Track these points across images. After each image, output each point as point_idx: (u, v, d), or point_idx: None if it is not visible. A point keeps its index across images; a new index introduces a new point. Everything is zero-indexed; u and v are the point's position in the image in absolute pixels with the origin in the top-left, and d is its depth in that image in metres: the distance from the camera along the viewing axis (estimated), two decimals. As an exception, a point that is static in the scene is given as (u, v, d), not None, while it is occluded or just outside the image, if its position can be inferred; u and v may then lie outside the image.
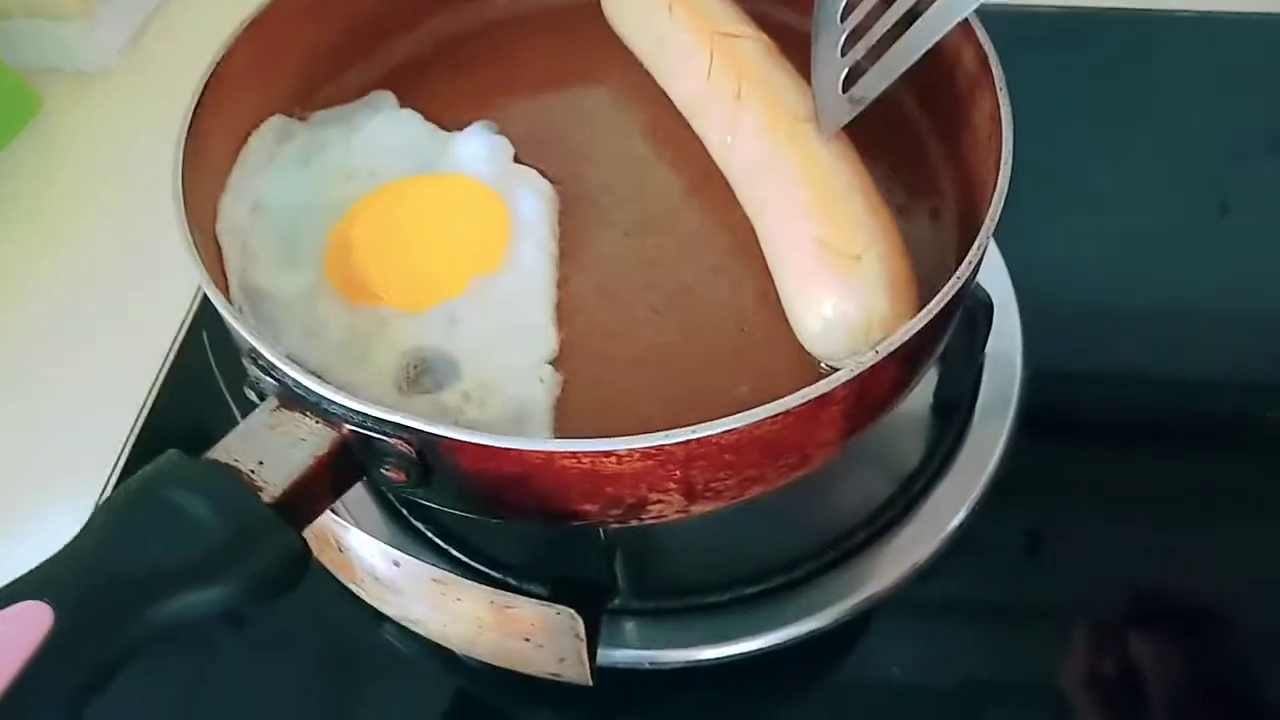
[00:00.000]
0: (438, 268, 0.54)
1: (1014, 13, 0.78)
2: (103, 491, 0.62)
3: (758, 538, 0.57)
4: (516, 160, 0.59)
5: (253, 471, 0.40)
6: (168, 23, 0.89)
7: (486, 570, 0.56)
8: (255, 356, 0.43)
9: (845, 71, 0.52)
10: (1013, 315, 0.65)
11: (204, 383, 0.59)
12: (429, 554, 0.58)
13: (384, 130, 0.60)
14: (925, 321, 0.43)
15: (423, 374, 0.51)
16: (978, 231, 0.47)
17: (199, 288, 0.63)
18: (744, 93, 0.55)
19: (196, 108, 0.52)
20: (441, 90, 0.63)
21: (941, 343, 0.49)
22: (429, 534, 0.58)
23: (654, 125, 0.61)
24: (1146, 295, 0.69)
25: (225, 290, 0.51)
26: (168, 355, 0.66)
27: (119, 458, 0.63)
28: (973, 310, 0.54)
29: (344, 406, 0.41)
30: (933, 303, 0.43)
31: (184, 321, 0.68)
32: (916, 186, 0.57)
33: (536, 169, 0.59)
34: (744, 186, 0.55)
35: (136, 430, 0.64)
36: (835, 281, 0.47)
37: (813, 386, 0.41)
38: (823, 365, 0.49)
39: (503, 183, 0.57)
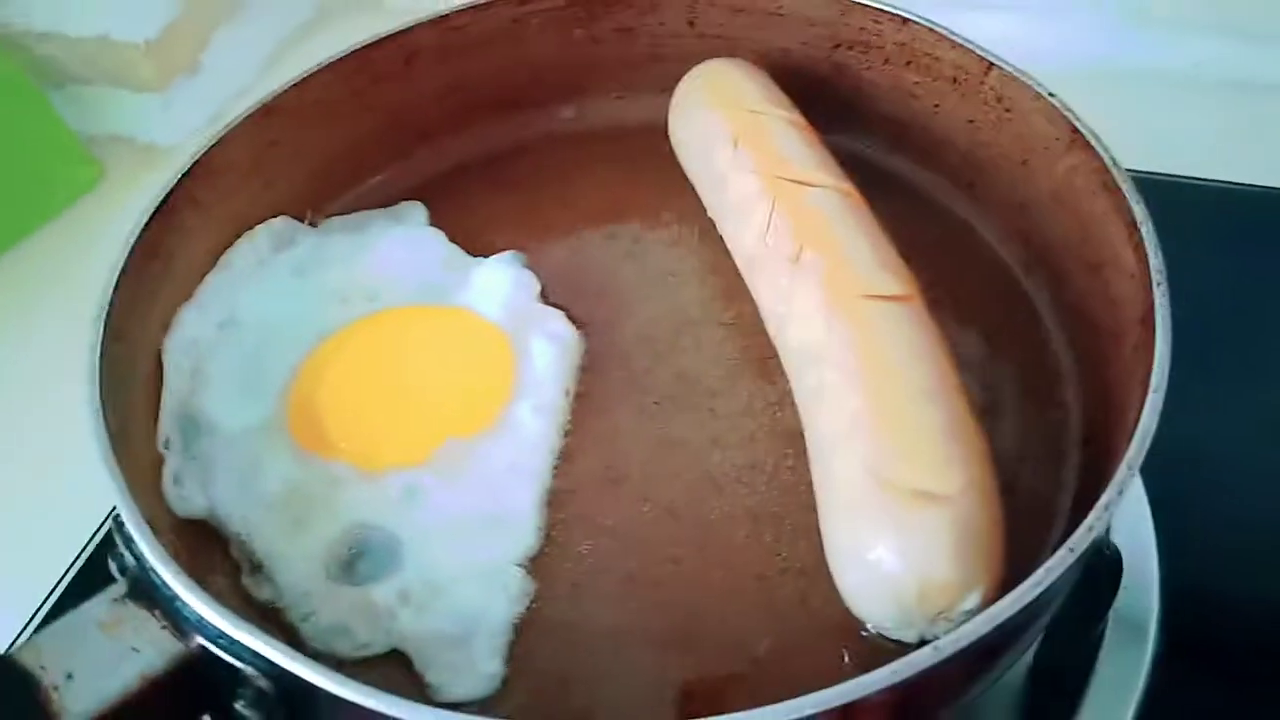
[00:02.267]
0: (407, 420, 0.44)
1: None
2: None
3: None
4: (543, 299, 0.49)
5: (56, 688, 0.30)
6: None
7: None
8: (117, 519, 0.33)
9: None
10: (1150, 564, 0.50)
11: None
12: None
13: (398, 247, 0.51)
14: (1011, 612, 0.30)
15: (358, 557, 0.40)
16: (1105, 474, 0.34)
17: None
18: (804, 256, 0.43)
19: (165, 200, 0.45)
20: (479, 209, 0.54)
21: (1040, 624, 0.36)
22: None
23: (713, 277, 0.50)
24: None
25: (154, 416, 0.43)
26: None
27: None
28: (1094, 569, 0.40)
29: (195, 613, 0.31)
30: (1025, 585, 0.30)
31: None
32: (1032, 387, 0.44)
33: (565, 311, 0.49)
34: (796, 373, 0.43)
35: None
36: (884, 527, 0.35)
37: (840, 688, 0.28)
38: (868, 626, 0.37)
39: (518, 324, 0.47)
